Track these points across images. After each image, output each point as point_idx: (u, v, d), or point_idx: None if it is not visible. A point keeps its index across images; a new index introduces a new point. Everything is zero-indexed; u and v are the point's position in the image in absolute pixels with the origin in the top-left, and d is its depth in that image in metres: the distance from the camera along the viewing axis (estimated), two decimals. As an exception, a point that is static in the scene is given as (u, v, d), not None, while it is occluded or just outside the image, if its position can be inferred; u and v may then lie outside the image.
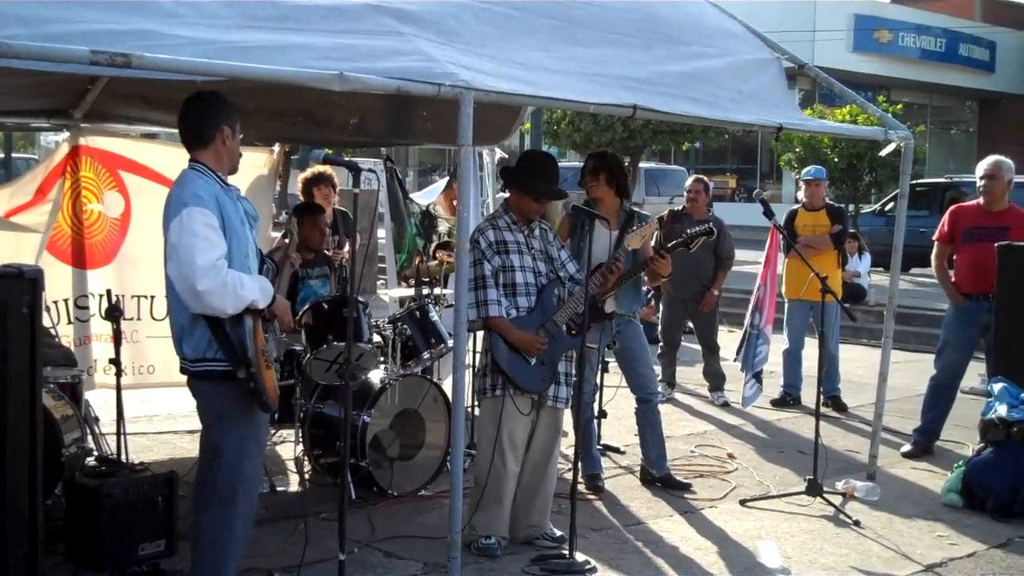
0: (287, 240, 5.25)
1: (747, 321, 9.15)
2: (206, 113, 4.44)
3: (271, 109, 7.07)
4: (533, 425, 5.81)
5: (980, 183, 7.91)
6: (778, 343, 9.92)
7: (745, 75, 6.61)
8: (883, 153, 6.97)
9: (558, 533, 5.74)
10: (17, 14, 3.99)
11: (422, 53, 4.93)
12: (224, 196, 4.37)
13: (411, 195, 10.10)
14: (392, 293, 8.20)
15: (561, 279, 5.85)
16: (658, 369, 9.40)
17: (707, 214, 9.62)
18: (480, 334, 5.98)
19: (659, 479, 7.02)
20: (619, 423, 7.98)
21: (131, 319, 7.62)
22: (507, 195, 6.06)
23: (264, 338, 4.41)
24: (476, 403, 7.58)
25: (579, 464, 6.03)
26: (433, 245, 9.29)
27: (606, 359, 7.12)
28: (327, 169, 7.97)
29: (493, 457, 5.65)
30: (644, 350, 6.95)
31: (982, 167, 7.93)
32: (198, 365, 4.39)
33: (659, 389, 7.22)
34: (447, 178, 10.64)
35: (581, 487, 6.52)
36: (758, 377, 9.00)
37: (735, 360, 9.22)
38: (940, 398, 8.05)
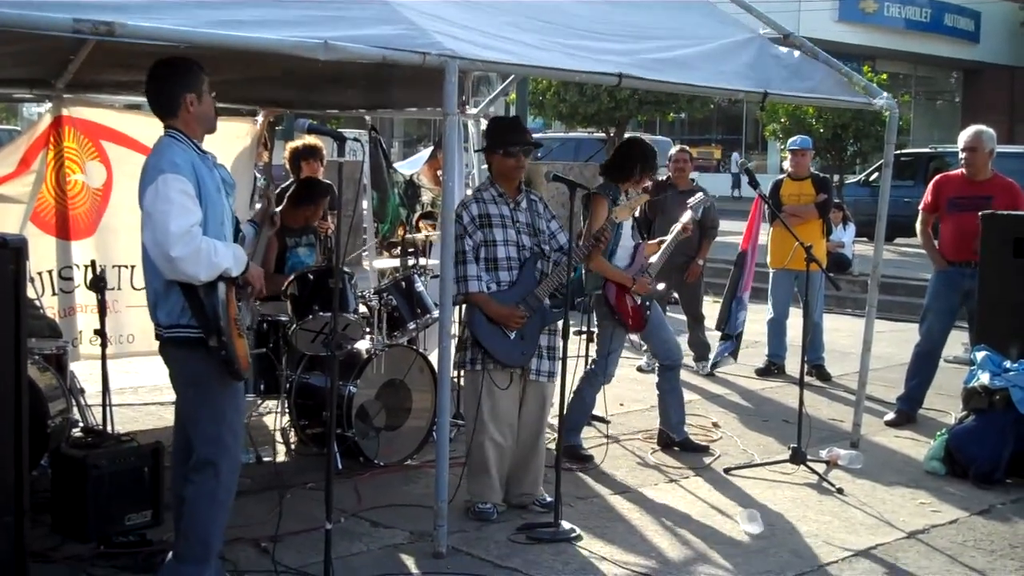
0: (265, 200, 5.17)
1: (727, 290, 9.21)
2: (165, 84, 4.41)
3: (254, 75, 7.03)
4: (521, 398, 5.85)
5: (962, 155, 7.92)
6: (762, 312, 9.97)
7: (725, 57, 6.62)
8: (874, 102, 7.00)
9: (549, 499, 5.79)
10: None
11: (407, 22, 4.91)
12: (200, 163, 4.37)
13: (395, 165, 10.07)
14: (374, 263, 8.20)
15: (544, 253, 5.85)
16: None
17: (691, 184, 9.64)
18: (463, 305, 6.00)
19: (679, 443, 7.19)
20: (603, 393, 8.00)
21: (112, 289, 7.58)
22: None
23: (237, 307, 4.41)
24: (461, 373, 7.63)
25: (563, 433, 6.08)
26: (416, 215, 9.28)
27: (592, 328, 7.15)
28: (317, 142, 7.93)
29: (475, 429, 5.73)
30: (664, 319, 7.19)
31: (963, 139, 7.93)
32: (171, 331, 4.39)
33: (681, 356, 7.38)
34: (431, 148, 10.60)
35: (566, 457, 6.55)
36: (735, 339, 9.09)
37: (716, 328, 9.27)
38: (923, 366, 8.10)
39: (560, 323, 5.78)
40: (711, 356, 9.80)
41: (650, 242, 7.03)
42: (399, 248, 8.04)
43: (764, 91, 6.31)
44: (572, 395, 6.86)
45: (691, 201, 7.10)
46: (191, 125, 4.42)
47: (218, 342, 4.25)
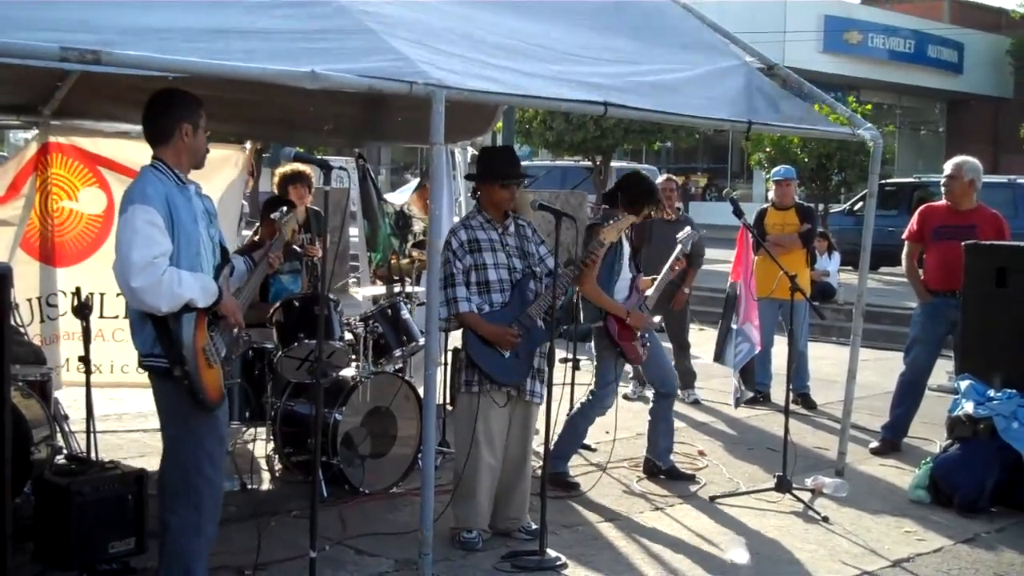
0: (271, 238, 5.13)
1: (722, 322, 9.17)
2: (166, 110, 4.45)
3: (243, 108, 7.05)
4: (509, 420, 5.86)
5: (942, 183, 8.04)
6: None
7: (711, 83, 6.66)
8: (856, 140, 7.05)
9: (534, 526, 5.79)
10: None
11: (394, 52, 4.93)
12: (177, 195, 4.38)
13: (385, 196, 10.11)
14: (365, 291, 8.22)
15: (536, 274, 5.89)
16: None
17: (677, 213, 9.66)
18: (457, 332, 6.00)
19: (665, 471, 7.20)
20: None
21: (115, 317, 7.58)
22: (475, 196, 6.08)
23: (210, 337, 4.41)
24: (447, 400, 7.63)
25: (547, 461, 6.07)
26: (409, 244, 9.31)
27: (577, 356, 7.16)
28: (306, 168, 7.94)
29: (468, 452, 5.72)
30: (661, 348, 7.24)
31: (945, 167, 8.05)
32: (147, 360, 4.43)
33: (679, 385, 7.42)
34: (418, 179, 10.65)
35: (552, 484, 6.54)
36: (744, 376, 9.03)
37: (714, 361, 9.22)
38: (908, 395, 8.12)
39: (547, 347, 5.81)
40: (696, 384, 9.82)
41: (644, 278, 7.05)
42: (387, 276, 8.07)
43: (748, 121, 6.34)
44: (565, 423, 6.88)
45: (680, 235, 7.14)
46: (180, 155, 4.45)
47: (181, 372, 4.26)
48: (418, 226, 9.63)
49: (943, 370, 9.50)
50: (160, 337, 4.29)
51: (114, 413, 8.33)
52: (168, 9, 4.64)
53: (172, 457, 4.51)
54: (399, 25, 5.31)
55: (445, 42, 5.39)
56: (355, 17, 5.18)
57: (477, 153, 9.06)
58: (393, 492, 6.63)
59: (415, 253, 8.31)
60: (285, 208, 5.19)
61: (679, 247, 7.06)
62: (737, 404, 8.80)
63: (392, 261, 8.63)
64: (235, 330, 4.61)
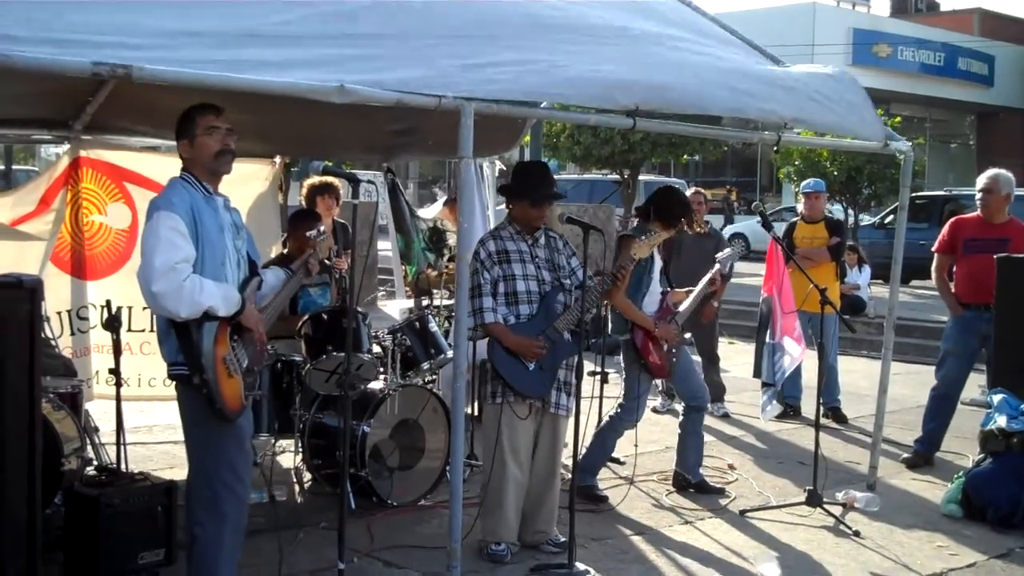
0: (300, 252, 5.15)
1: (757, 337, 9.11)
2: (176, 134, 4.56)
3: (273, 126, 7.06)
4: (536, 432, 5.84)
5: (978, 196, 7.96)
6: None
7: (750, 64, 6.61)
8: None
9: (563, 539, 5.76)
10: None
11: (425, 63, 4.90)
12: (204, 204, 4.44)
13: (418, 212, 10.17)
14: (399, 305, 8.24)
15: (565, 287, 5.88)
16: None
17: (705, 227, 9.64)
18: (483, 345, 5.99)
19: (694, 485, 7.18)
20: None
21: (142, 331, 7.61)
22: (508, 208, 6.09)
23: (231, 347, 4.42)
24: (475, 412, 7.62)
25: (576, 473, 6.06)
26: (445, 258, 9.36)
27: (606, 369, 7.13)
28: (334, 180, 7.97)
29: (493, 463, 5.72)
30: (692, 361, 7.23)
31: (980, 181, 7.99)
32: (172, 368, 4.47)
33: (709, 400, 7.41)
34: (446, 195, 10.71)
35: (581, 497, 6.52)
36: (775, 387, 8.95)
37: (754, 376, 9.13)
38: (941, 408, 8.06)
39: (576, 359, 5.79)
40: (725, 398, 9.76)
41: (677, 290, 7.02)
42: (414, 289, 8.10)
43: (778, 135, 6.29)
44: (594, 437, 6.85)
45: (720, 255, 7.12)
46: (193, 168, 4.53)
47: (200, 380, 4.29)
48: (452, 239, 9.67)
49: (976, 384, 9.42)
50: (181, 344, 4.33)
51: (144, 425, 8.38)
52: (199, 10, 4.61)
53: (195, 465, 4.55)
54: (430, 24, 5.23)
55: (476, 48, 5.27)
56: (386, 20, 5.11)
57: (505, 168, 9.09)
58: (421, 505, 6.63)
59: (451, 266, 8.33)
60: (322, 227, 5.22)
61: (717, 266, 7.03)
62: (765, 416, 8.71)
63: (422, 274, 8.67)
64: (256, 344, 4.62)
